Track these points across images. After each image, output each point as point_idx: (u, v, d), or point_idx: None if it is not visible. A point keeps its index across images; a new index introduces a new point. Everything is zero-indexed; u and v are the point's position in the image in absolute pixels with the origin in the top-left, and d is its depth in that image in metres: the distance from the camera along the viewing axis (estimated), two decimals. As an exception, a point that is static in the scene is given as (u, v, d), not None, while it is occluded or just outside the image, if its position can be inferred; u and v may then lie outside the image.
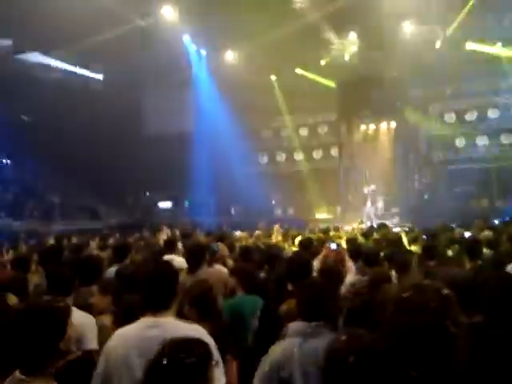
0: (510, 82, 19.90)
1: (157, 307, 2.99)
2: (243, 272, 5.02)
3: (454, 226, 10.91)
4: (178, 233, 11.27)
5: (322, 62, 21.40)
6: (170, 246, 7.02)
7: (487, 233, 8.65)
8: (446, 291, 1.99)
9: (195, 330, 2.91)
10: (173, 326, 2.91)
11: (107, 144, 19.48)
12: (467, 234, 9.06)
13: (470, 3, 17.49)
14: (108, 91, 19.85)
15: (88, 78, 20.92)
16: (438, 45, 19.50)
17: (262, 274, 5.61)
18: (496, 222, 12.43)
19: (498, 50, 19.45)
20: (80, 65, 20.51)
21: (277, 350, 3.03)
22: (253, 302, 4.56)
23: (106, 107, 19.21)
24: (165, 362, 2.09)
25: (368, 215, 19.45)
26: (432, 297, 1.94)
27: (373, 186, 20.07)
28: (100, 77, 21.04)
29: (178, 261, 5.61)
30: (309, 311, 3.10)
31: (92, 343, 3.55)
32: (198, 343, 2.24)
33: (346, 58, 20.88)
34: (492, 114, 21.22)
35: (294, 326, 3.10)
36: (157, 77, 19.29)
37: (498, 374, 2.38)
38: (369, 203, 19.86)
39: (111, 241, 10.30)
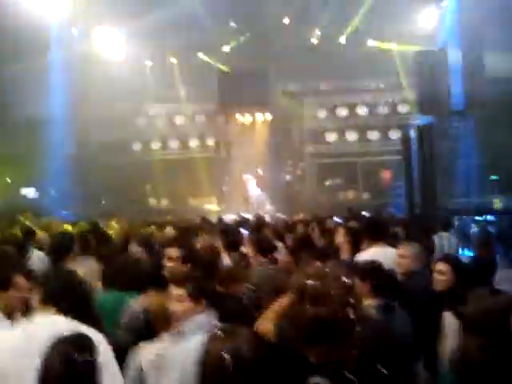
0: (378, 81, 21.18)
1: None
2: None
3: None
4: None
5: (200, 54, 21.23)
6: (28, 237, 6.41)
7: (352, 223, 9.01)
8: (346, 279, 2.01)
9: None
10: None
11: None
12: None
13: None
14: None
15: None
16: (314, 41, 20.19)
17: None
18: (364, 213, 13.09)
19: (371, 45, 20.29)
20: None
21: (185, 350, 2.74)
22: (118, 297, 4.23)
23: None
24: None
25: (257, 202, 19.94)
26: (333, 285, 1.95)
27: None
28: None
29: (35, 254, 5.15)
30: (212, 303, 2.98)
31: None
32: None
33: (225, 47, 20.85)
34: (361, 110, 22.41)
35: (195, 321, 2.89)
36: (18, 57, 17.69)
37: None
38: (254, 188, 20.47)
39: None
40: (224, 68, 21.70)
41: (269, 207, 20.16)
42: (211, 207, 21.10)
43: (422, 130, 12.30)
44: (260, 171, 20.90)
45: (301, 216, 13.37)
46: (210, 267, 4.39)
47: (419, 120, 12.80)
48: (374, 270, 3.69)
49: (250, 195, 20.61)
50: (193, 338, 2.78)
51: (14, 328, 2.75)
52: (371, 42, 20.24)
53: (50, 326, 2.61)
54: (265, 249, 5.47)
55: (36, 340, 2.52)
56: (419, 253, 4.72)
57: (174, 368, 2.71)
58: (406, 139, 13.51)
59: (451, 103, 12.71)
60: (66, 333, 2.20)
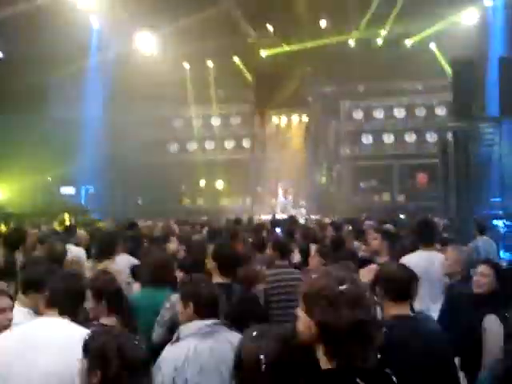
0: (415, 83, 20.91)
1: None
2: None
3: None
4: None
5: (236, 59, 21.43)
6: (69, 234, 6.62)
7: (389, 226, 8.93)
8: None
9: None
10: None
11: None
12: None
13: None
14: (9, 70, 18.37)
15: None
16: (351, 43, 20.06)
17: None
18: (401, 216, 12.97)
19: (407, 48, 19.99)
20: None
21: (172, 355, 2.80)
22: (156, 293, 4.27)
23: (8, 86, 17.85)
24: None
25: (283, 207, 19.93)
26: (365, 290, 1.95)
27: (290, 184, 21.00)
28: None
29: (74, 250, 5.32)
30: (207, 309, 2.92)
31: None
32: None
33: (263, 51, 20.92)
34: (398, 113, 22.17)
35: (189, 327, 2.87)
36: (62, 59, 18.12)
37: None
38: (281, 196, 20.46)
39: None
40: (250, 75, 21.94)
41: (297, 210, 20.11)
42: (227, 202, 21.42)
43: (458, 134, 12.11)
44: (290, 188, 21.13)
45: (327, 219, 13.30)
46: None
47: (456, 123, 12.54)
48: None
49: (277, 200, 20.70)
50: (183, 344, 2.81)
51: (16, 329, 2.82)
52: (408, 42, 19.93)
53: (51, 327, 2.74)
54: (282, 251, 5.38)
55: (35, 341, 2.65)
56: (465, 256, 4.73)
57: (158, 373, 2.75)
58: (442, 142, 13.29)
59: (488, 108, 12.44)
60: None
